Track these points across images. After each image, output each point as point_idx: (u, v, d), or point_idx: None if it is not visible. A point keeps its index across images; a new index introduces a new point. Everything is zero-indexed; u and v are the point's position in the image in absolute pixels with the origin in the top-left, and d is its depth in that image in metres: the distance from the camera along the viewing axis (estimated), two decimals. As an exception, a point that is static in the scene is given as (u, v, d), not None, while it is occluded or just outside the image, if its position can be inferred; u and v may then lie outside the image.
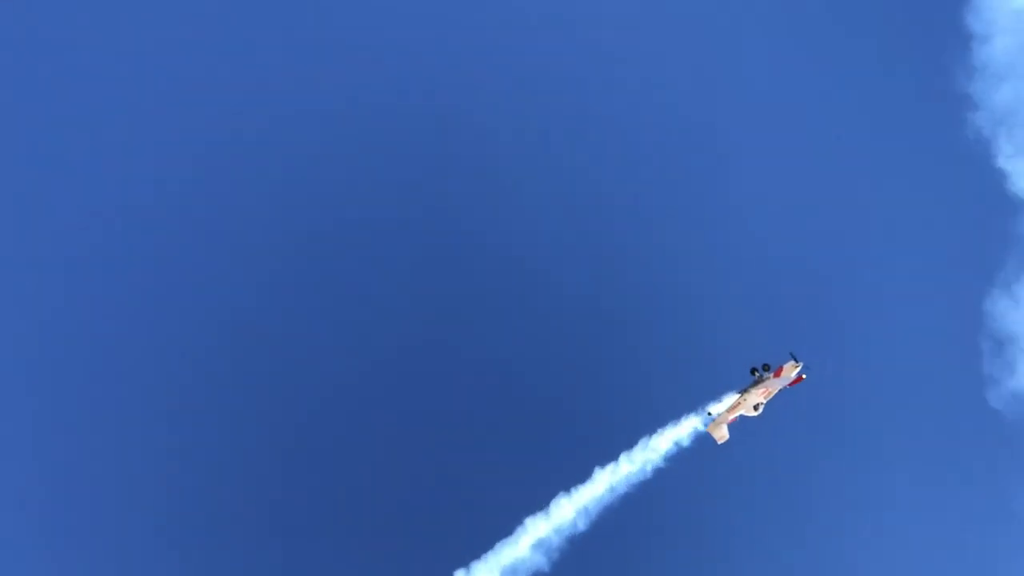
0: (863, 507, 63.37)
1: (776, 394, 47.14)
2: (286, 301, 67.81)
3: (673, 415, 48.02)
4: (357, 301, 68.16)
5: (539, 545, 52.14)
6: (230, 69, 70.15)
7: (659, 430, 48.15)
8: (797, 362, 47.31)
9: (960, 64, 60.75)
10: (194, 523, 63.71)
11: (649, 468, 48.53)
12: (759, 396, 48.01)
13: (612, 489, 49.68)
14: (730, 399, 47.42)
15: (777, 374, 47.21)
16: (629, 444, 48.11)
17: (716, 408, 47.53)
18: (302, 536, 63.28)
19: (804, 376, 46.83)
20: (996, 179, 59.68)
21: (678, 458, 47.91)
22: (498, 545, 52.32)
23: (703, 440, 48.39)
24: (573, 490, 50.81)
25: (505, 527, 51.87)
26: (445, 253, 68.96)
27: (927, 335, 60.84)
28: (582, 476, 49.71)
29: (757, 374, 47.20)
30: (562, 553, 51.69)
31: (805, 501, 62.84)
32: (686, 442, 48.09)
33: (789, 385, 46.95)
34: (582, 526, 51.25)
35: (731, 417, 47.66)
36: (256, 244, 68.68)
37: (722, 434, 47.45)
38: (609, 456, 48.93)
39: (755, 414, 48.01)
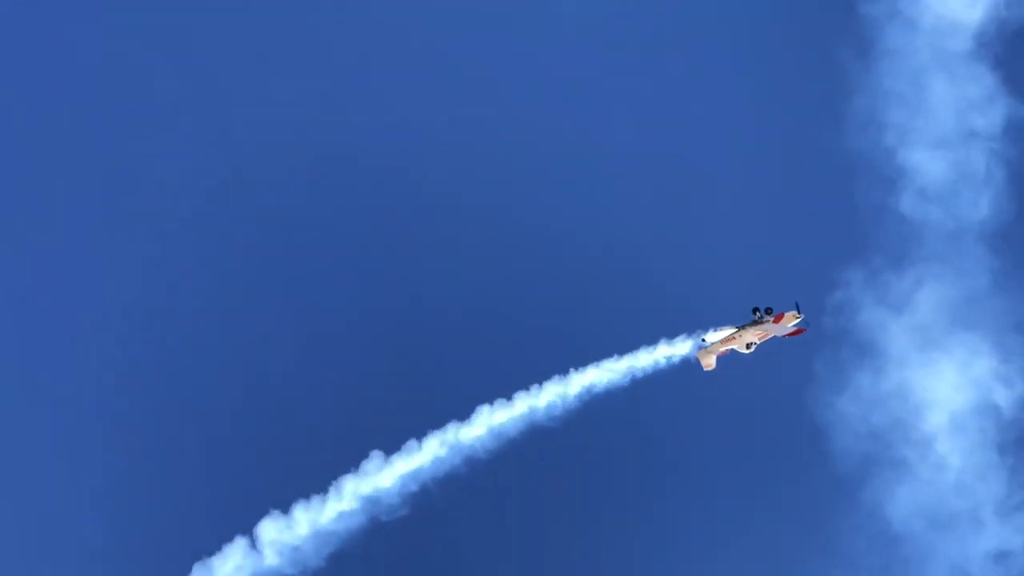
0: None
1: (770, 339, 47.74)
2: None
3: (668, 334, 48.12)
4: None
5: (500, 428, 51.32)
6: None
7: (653, 345, 48.14)
8: (799, 313, 47.96)
9: (851, 46, 59.92)
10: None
11: (628, 377, 48.58)
12: (754, 336, 48.42)
13: (590, 389, 49.53)
14: (726, 331, 47.69)
15: (777, 320, 47.70)
16: (621, 352, 47.89)
17: (711, 337, 47.74)
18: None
19: (804, 329, 47.40)
20: (883, 172, 58.38)
21: (658, 376, 47.92)
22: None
23: (688, 364, 48.58)
24: (552, 379, 50.25)
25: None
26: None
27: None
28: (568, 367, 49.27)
29: (758, 315, 47.63)
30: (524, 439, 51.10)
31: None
32: (675, 360, 48.22)
33: (787, 336, 47.49)
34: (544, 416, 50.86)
35: (723, 349, 47.92)
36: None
37: (709, 363, 47.65)
38: (596, 357, 48.61)
39: (747, 352, 48.48)
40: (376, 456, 52.35)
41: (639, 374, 48.63)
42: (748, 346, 47.21)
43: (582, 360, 50.16)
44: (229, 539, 52.04)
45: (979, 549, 54.33)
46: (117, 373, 63.27)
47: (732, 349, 47.53)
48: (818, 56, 62.26)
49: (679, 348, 47.58)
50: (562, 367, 50.04)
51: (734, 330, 47.62)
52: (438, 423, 52.12)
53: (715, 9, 67.83)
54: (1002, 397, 53.63)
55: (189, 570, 52.41)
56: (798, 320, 48.05)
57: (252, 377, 63.33)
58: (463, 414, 51.77)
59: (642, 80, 68.03)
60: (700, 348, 48.01)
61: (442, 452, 51.51)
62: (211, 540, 52.84)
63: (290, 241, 66.29)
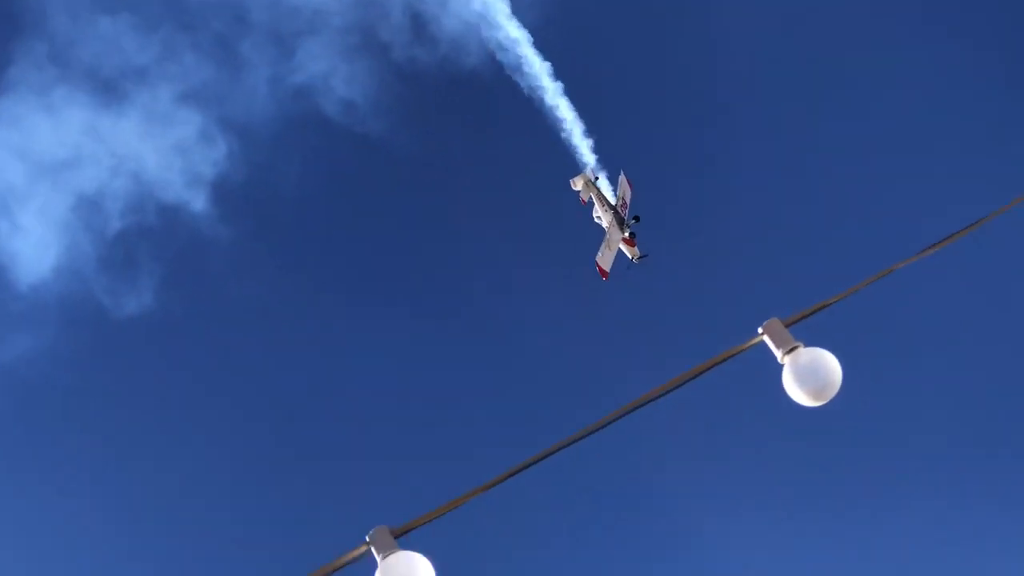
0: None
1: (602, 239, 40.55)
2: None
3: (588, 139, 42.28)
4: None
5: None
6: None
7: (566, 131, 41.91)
8: (639, 258, 38.20)
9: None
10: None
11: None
12: (607, 221, 41.01)
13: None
14: (609, 194, 41.91)
15: (627, 241, 39.61)
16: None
17: (603, 182, 42.00)
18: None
19: (606, 277, 36.93)
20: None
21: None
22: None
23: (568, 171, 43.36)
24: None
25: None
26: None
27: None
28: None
29: (631, 223, 39.52)
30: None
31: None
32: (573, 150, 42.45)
33: (597, 262, 37.95)
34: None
35: (590, 196, 41.55)
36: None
37: (576, 185, 41.44)
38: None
39: (593, 218, 42.39)
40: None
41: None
42: (597, 218, 41.79)
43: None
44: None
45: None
46: None
47: (593, 206, 40.66)
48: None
49: (583, 156, 41.58)
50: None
51: (614, 203, 40.61)
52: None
53: None
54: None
55: None
56: (634, 257, 38.57)
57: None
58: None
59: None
60: (592, 175, 41.57)
61: None
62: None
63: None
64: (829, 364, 5.95)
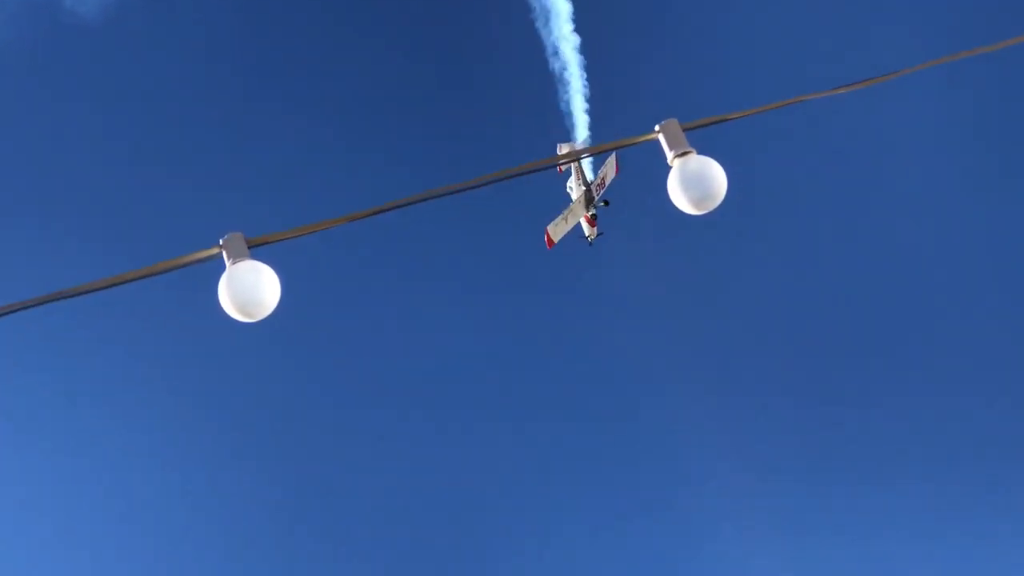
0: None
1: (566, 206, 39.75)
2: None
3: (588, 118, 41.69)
4: None
5: None
6: None
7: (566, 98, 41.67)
8: (592, 238, 36.13)
9: None
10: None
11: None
12: (578, 192, 40.33)
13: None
14: (589, 173, 40.85)
15: (588, 219, 37.89)
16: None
17: (586, 164, 41.14)
18: None
19: (552, 244, 33.42)
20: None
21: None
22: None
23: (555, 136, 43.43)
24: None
25: None
26: None
27: None
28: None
29: (600, 205, 37.80)
30: None
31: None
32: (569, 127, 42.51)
33: (547, 229, 35.34)
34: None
35: (571, 164, 40.48)
36: None
37: (563, 150, 41.05)
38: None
39: (567, 186, 41.60)
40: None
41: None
42: (569, 188, 41.58)
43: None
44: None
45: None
46: None
47: (569, 173, 39.77)
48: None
49: (579, 133, 41.27)
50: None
51: (591, 181, 40.17)
52: None
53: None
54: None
55: None
56: (591, 237, 36.18)
57: None
58: None
59: None
60: (578, 146, 40.72)
61: None
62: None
63: None
64: (716, 175, 5.95)
